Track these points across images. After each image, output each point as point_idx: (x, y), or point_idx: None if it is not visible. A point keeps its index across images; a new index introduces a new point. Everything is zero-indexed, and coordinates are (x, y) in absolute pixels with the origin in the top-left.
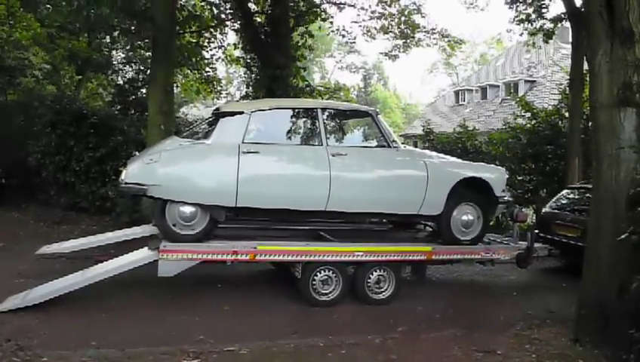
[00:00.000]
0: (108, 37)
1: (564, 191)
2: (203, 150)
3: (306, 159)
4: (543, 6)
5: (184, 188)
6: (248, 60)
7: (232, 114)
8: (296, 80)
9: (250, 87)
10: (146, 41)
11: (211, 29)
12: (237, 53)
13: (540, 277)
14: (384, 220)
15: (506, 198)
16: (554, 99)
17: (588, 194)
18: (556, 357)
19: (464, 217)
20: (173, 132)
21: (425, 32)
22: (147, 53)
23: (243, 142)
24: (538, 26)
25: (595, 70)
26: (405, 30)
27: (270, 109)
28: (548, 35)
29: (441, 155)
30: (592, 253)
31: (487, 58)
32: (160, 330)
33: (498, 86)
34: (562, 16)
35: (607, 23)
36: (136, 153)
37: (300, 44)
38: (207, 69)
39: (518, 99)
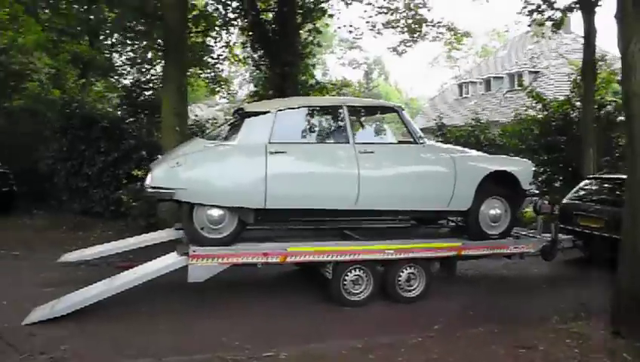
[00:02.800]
0: (109, 40)
1: (584, 182)
2: (229, 151)
3: (333, 157)
4: None
5: (212, 191)
6: (256, 58)
7: (257, 114)
8: (306, 77)
9: (260, 86)
10: (158, 41)
11: (217, 28)
12: (237, 52)
13: (564, 269)
14: (407, 217)
15: (532, 191)
16: (560, 89)
17: (605, 185)
18: (600, 350)
19: (492, 211)
20: (189, 133)
21: (432, 25)
22: (152, 55)
23: (270, 143)
24: (546, 16)
25: (629, 59)
26: (412, 25)
27: (295, 108)
28: (556, 25)
29: (465, 149)
30: (627, 242)
31: (489, 50)
32: (194, 337)
33: (502, 77)
34: (572, 5)
35: None
36: (159, 156)
37: (307, 40)
38: (214, 68)
39: (528, 91)
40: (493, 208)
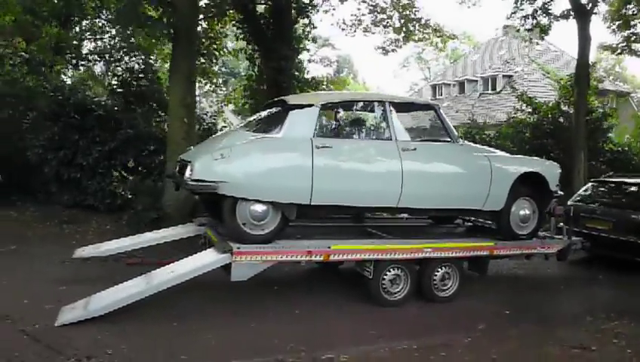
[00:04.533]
0: (77, 27)
1: (589, 185)
2: (275, 144)
3: (378, 154)
4: (550, 3)
5: (258, 186)
6: (251, 52)
7: (302, 106)
8: (301, 72)
9: (253, 80)
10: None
11: (209, 19)
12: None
13: (574, 270)
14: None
15: (559, 193)
16: (532, 93)
17: (610, 188)
18: None
19: (522, 212)
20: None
21: (422, 26)
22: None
23: (315, 137)
24: (535, 23)
25: None
26: (403, 25)
27: (339, 102)
28: (544, 31)
29: (492, 150)
30: None
31: (458, 53)
32: (244, 339)
33: (476, 80)
34: (566, 12)
35: None
36: (191, 147)
37: (302, 35)
38: (202, 59)
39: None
40: (523, 208)
